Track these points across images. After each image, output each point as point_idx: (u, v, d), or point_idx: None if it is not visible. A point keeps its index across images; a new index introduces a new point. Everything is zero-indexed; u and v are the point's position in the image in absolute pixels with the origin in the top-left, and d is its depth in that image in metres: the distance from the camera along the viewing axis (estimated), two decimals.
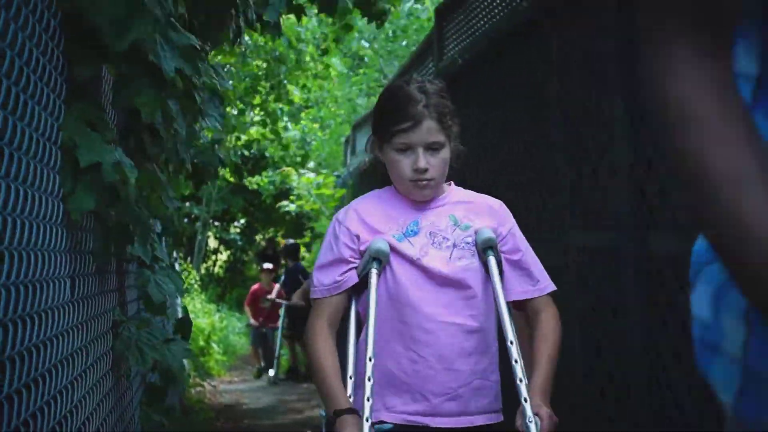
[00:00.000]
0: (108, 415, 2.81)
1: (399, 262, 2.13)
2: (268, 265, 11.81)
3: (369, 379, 1.98)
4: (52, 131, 2.08)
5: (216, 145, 4.74)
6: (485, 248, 2.16)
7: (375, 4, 5.77)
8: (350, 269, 2.17)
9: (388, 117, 2.14)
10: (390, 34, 13.92)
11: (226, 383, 10.75)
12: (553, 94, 3.86)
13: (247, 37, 8.19)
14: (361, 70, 14.76)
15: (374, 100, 13.32)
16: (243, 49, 9.97)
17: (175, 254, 9.72)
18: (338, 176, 12.81)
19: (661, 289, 3.10)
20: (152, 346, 3.08)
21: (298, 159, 16.08)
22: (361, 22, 10.98)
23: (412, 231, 2.18)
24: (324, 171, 14.07)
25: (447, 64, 5.85)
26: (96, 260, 2.63)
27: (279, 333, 10.58)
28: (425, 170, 2.11)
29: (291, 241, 11.84)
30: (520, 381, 2.00)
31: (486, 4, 5.05)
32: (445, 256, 2.14)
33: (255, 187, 16.69)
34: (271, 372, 10.58)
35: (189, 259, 17.56)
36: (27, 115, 1.79)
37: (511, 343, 2.04)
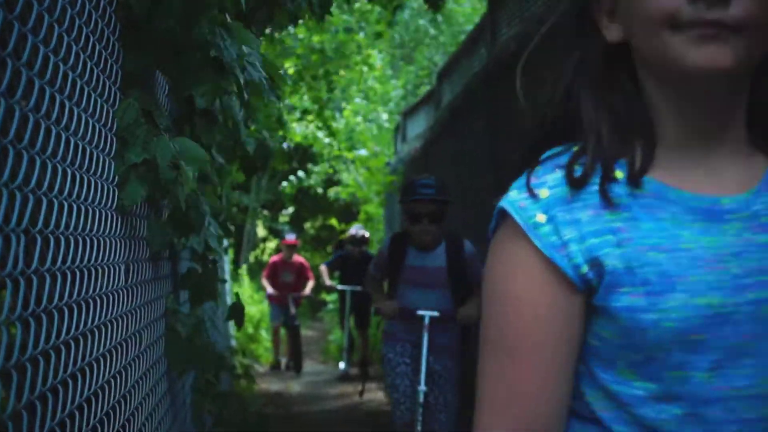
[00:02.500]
0: (160, 401, 2.83)
1: None
2: (291, 238, 10.98)
3: None
4: (108, 117, 2.08)
5: (267, 136, 4.75)
6: None
7: None
8: None
9: None
10: (439, 20, 13.84)
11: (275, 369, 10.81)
12: None
13: (291, 28, 8.21)
14: (409, 67, 14.68)
15: (425, 89, 13.28)
16: (284, 40, 9.98)
17: (225, 242, 9.68)
18: (388, 163, 12.80)
19: None
20: (199, 349, 3.09)
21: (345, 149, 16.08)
22: (409, 11, 10.88)
23: None
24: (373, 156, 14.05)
25: (501, 49, 5.78)
26: (151, 247, 2.63)
27: (347, 323, 9.68)
28: None
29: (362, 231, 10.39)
30: None
31: None
32: None
33: (303, 185, 16.75)
34: (342, 365, 9.99)
35: (237, 246, 17.68)
36: (84, 101, 1.79)
37: None
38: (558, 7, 4.51)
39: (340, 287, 9.77)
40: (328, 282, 10.02)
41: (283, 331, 10.71)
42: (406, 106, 13.10)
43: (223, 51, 2.51)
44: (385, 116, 14.33)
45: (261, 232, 22.69)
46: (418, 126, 10.80)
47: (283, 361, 10.66)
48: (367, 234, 9.94)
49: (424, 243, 4.39)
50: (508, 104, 5.69)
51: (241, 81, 2.97)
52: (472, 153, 6.84)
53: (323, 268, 10.20)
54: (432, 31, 14.26)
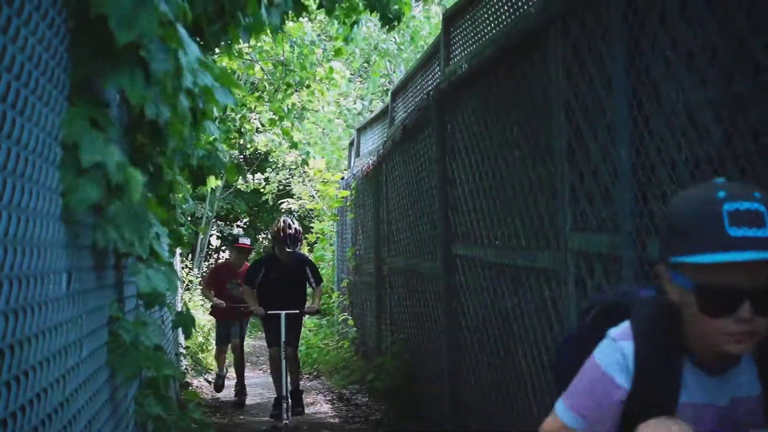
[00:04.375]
0: (101, 409, 2.83)
1: None
2: (245, 242, 9.11)
3: None
4: (53, 127, 2.10)
5: (218, 148, 4.78)
6: None
7: (388, 5, 5.82)
8: None
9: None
10: (395, 38, 13.96)
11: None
12: (558, 98, 3.89)
13: (253, 41, 8.22)
14: (362, 81, 14.76)
15: (378, 104, 13.37)
16: (246, 53, 10.00)
17: (179, 250, 9.48)
18: (342, 178, 12.87)
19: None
20: (145, 352, 3.09)
21: (301, 160, 16.11)
22: (366, 27, 10.94)
23: None
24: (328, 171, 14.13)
25: (453, 69, 5.87)
26: (94, 255, 2.65)
27: (284, 362, 7.13)
28: None
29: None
30: None
31: (493, 11, 5.08)
32: None
33: (257, 186, 16.74)
34: (285, 418, 7.12)
35: (190, 256, 17.61)
36: (27, 110, 1.81)
37: None
38: (508, 29, 4.62)
39: (270, 312, 7.29)
40: (258, 311, 7.46)
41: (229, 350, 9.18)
42: (360, 121, 13.20)
43: (153, 56, 2.48)
44: (341, 130, 14.39)
45: (215, 242, 22.59)
46: (371, 142, 10.88)
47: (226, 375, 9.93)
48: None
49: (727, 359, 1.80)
50: (460, 124, 5.78)
51: (194, 89, 2.98)
52: (425, 170, 6.91)
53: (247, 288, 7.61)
54: (393, 49, 14.37)
